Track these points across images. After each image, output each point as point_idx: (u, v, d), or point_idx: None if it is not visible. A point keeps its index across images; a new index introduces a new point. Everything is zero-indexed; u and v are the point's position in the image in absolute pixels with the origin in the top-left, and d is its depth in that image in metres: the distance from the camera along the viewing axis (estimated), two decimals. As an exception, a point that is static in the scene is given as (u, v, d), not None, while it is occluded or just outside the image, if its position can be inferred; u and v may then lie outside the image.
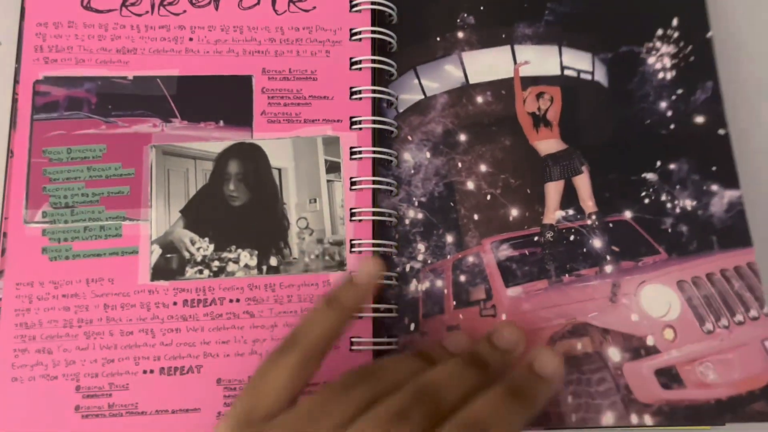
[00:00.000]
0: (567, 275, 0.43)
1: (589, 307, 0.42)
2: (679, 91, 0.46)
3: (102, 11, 0.45)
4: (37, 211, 0.43)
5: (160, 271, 0.42)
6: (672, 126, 0.45)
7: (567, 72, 0.47)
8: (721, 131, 0.45)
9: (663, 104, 0.46)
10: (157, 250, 0.42)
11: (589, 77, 0.47)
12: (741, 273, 0.43)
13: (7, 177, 0.43)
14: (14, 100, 0.44)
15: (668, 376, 0.41)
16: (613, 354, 0.41)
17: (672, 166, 0.45)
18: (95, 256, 0.42)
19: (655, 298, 0.42)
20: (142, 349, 0.41)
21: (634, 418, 0.40)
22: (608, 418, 0.40)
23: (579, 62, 0.47)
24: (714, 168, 0.45)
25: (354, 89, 0.45)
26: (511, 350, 0.37)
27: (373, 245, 0.43)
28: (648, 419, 0.40)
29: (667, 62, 0.46)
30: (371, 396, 0.32)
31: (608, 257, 0.43)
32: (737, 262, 0.43)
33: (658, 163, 0.45)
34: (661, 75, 0.46)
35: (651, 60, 0.46)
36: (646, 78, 0.46)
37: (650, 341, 0.41)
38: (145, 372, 0.41)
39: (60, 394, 0.40)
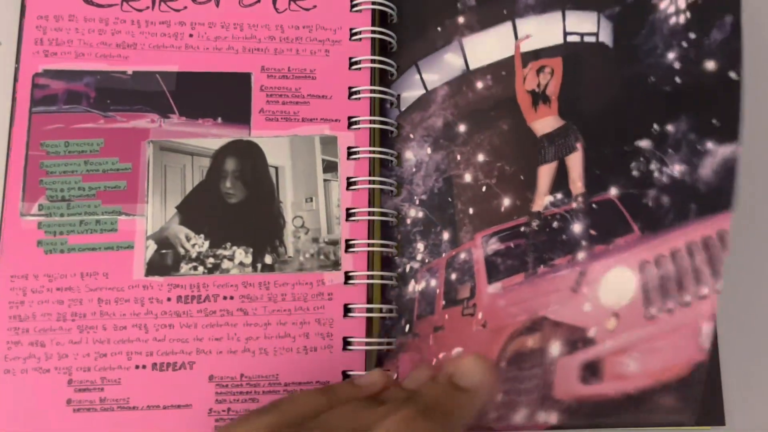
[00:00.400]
0: (542, 266, 0.41)
1: (552, 299, 0.39)
2: (692, 36, 0.40)
3: (103, 6, 0.45)
4: (33, 203, 0.43)
5: (155, 267, 0.42)
6: (677, 79, 0.40)
7: (570, 38, 0.44)
8: (733, 75, 0.38)
9: (671, 55, 0.41)
10: (153, 246, 0.42)
11: (593, 39, 0.44)
12: (708, 244, 0.37)
13: (6, 171, 0.43)
14: (14, 99, 0.44)
15: (591, 370, 0.37)
16: (554, 349, 0.38)
17: (669, 128, 0.40)
18: (90, 250, 0.42)
19: (614, 285, 0.38)
20: (134, 344, 0.41)
21: (541, 417, 0.37)
22: (520, 416, 0.37)
23: (583, 25, 0.44)
24: (715, 121, 0.38)
25: (353, 89, 0.45)
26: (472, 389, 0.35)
27: (368, 245, 0.43)
28: (553, 418, 0.37)
29: (682, 2, 0.41)
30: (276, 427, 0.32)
31: (583, 243, 0.40)
32: (708, 232, 0.37)
33: (655, 127, 0.40)
34: (673, 20, 0.41)
35: (663, 4, 0.42)
36: (656, 27, 0.41)
37: (592, 332, 0.37)
38: (137, 367, 0.41)
39: (52, 387, 0.40)
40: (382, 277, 0.42)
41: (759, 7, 0.46)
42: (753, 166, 0.45)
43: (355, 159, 0.44)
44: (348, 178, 0.44)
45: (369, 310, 0.42)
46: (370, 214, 0.43)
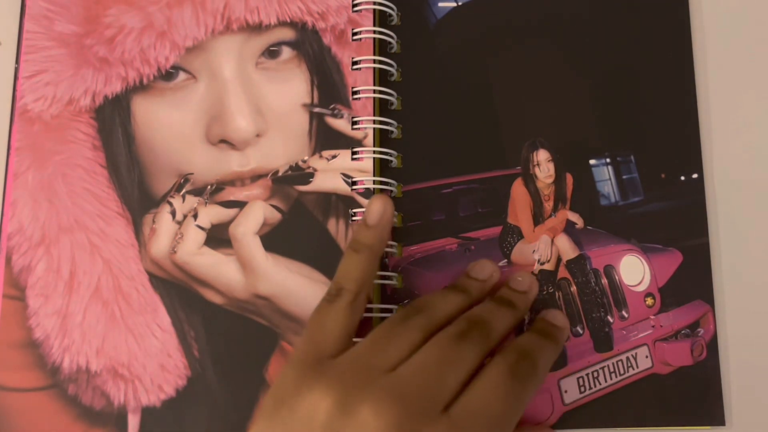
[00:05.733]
0: None
1: None
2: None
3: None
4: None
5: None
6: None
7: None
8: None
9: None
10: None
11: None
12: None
13: (6, 171, 0.43)
14: (14, 99, 0.44)
15: None
16: None
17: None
18: (94, 254, 0.43)
19: None
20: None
21: None
22: None
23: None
24: None
25: (354, 89, 0.45)
26: (528, 292, 0.41)
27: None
28: None
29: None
30: (428, 325, 0.36)
31: None
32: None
33: None
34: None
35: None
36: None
37: None
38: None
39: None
40: (382, 277, 0.43)
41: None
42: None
43: (357, 159, 0.44)
44: (351, 179, 0.44)
45: (369, 310, 0.42)
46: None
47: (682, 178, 0.45)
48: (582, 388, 0.42)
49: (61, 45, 0.44)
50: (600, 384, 0.42)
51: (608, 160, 0.45)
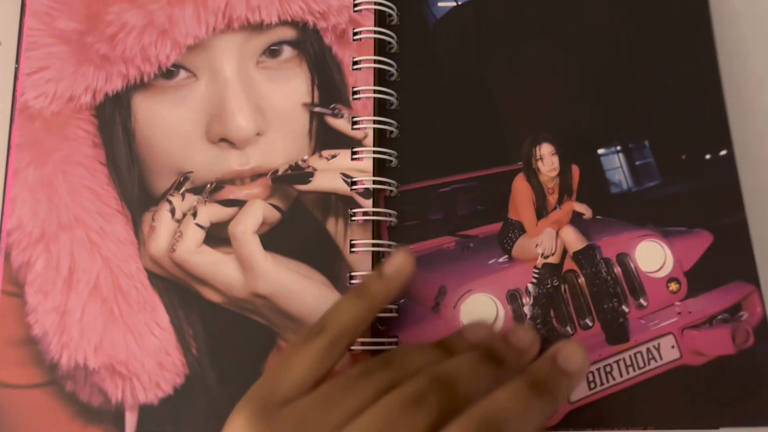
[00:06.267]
0: None
1: None
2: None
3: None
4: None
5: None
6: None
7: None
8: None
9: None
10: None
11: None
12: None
13: (6, 171, 0.43)
14: (14, 99, 0.44)
15: None
16: None
17: None
18: (93, 251, 0.43)
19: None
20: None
21: None
22: None
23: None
24: None
25: (354, 89, 0.45)
26: (525, 351, 0.36)
27: (373, 245, 0.43)
28: None
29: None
30: (389, 383, 0.32)
31: None
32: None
33: None
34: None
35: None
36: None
37: None
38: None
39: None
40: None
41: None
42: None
43: (356, 159, 0.44)
44: (351, 179, 0.44)
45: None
46: (372, 214, 0.43)
47: (707, 156, 0.43)
48: (592, 384, 0.39)
49: (62, 42, 0.44)
50: (614, 379, 0.40)
51: (619, 148, 0.44)
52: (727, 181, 0.43)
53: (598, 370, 0.39)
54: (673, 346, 0.40)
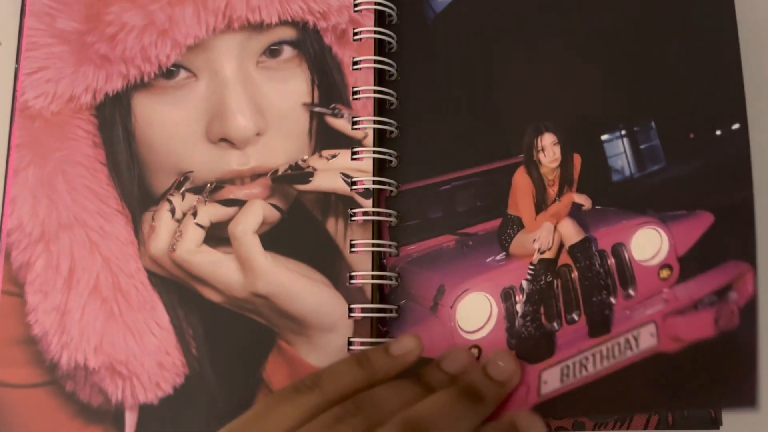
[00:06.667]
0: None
1: None
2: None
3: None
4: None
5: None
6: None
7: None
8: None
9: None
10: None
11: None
12: None
13: (6, 171, 0.43)
14: (14, 99, 0.44)
15: None
16: None
17: None
18: (93, 251, 0.43)
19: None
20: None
21: None
22: None
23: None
24: None
25: (354, 89, 0.45)
26: (505, 383, 0.37)
27: (373, 245, 0.43)
28: None
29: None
30: (364, 429, 0.32)
31: None
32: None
33: None
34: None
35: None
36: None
37: None
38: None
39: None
40: (382, 277, 0.43)
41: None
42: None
43: (356, 159, 0.44)
44: (351, 179, 0.44)
45: (375, 310, 0.42)
46: (373, 214, 0.43)
47: (718, 132, 0.42)
48: (565, 378, 0.40)
49: (62, 42, 0.44)
50: (587, 371, 0.40)
51: (623, 132, 0.43)
52: (737, 157, 0.41)
53: (573, 363, 0.39)
54: (652, 334, 0.39)
